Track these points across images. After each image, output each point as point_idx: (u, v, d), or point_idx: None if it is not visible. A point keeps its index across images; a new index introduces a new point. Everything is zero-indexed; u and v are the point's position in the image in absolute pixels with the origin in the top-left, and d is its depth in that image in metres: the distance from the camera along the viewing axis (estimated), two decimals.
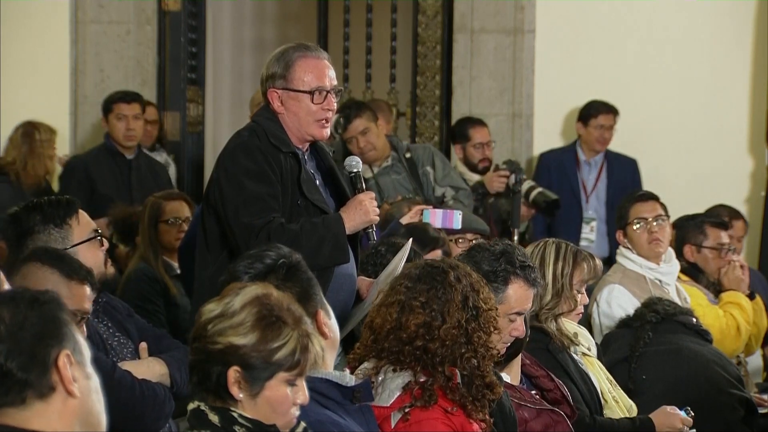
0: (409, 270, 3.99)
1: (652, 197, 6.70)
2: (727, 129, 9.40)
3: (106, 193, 8.19)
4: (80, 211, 4.67)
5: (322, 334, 3.57)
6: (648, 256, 6.51)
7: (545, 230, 8.81)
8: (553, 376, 4.79)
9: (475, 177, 8.51)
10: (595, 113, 9.09)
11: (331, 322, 3.64)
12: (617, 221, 6.72)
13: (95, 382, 2.62)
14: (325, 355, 3.58)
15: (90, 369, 2.61)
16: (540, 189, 8.35)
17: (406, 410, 3.79)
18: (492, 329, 3.95)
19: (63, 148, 9.17)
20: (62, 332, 2.57)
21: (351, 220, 4.90)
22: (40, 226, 4.58)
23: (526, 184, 8.13)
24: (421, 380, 3.83)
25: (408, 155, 8.03)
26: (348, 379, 3.61)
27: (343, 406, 3.57)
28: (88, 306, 4.20)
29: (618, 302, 6.35)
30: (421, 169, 8.01)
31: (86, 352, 2.62)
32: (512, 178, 8.02)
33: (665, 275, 6.54)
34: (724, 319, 6.66)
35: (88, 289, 4.18)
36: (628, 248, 6.57)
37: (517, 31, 9.35)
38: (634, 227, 6.53)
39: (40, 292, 2.61)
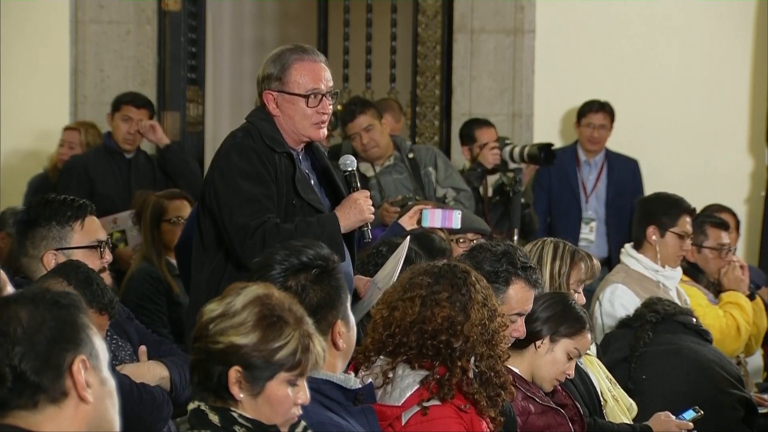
0: (428, 267, 3.98)
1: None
2: (727, 129, 9.40)
3: (105, 192, 8.17)
4: (91, 217, 4.67)
5: (335, 344, 3.57)
6: (664, 263, 6.48)
7: (545, 230, 8.80)
8: (568, 393, 4.79)
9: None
10: (586, 112, 9.08)
11: (349, 335, 3.64)
12: (657, 217, 6.56)
13: (110, 386, 2.60)
14: (336, 362, 3.58)
15: (106, 373, 2.59)
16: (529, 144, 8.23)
17: (425, 405, 3.79)
18: (503, 332, 3.97)
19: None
20: (79, 337, 2.55)
21: (346, 218, 4.91)
22: (44, 221, 4.60)
23: (518, 148, 8.04)
24: (437, 376, 3.83)
25: (411, 155, 8.02)
26: (352, 381, 3.61)
27: (345, 407, 3.57)
28: (100, 335, 4.20)
29: (621, 302, 6.34)
30: (423, 169, 8.00)
31: (103, 356, 2.60)
32: (511, 178, 8.01)
33: (668, 279, 6.52)
34: (724, 319, 6.66)
35: (104, 320, 4.19)
36: (648, 248, 6.51)
37: (517, 31, 9.35)
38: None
39: (61, 294, 2.59)
